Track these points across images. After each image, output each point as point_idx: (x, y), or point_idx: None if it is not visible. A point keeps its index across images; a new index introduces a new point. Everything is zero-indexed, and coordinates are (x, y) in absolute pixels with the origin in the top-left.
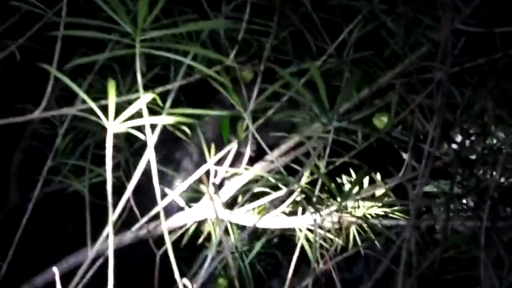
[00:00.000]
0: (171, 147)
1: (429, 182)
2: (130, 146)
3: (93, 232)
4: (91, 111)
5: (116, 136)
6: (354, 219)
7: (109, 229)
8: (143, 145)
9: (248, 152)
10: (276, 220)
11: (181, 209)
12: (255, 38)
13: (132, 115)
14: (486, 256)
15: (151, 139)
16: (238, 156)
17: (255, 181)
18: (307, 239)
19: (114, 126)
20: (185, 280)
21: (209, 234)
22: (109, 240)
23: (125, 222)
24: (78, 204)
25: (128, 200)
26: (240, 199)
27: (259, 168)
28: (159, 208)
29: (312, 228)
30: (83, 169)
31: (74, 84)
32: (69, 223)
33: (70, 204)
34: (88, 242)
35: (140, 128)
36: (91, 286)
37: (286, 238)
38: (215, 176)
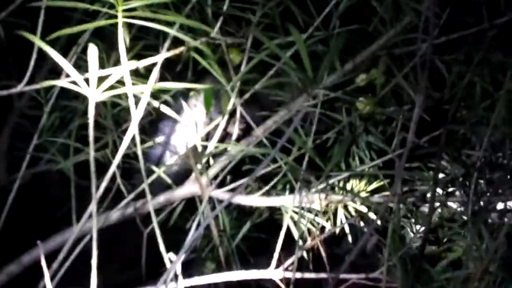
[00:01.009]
0: (159, 126)
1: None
2: (117, 127)
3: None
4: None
5: (103, 117)
6: (340, 197)
7: (92, 206)
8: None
9: (236, 129)
10: (263, 199)
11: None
12: (241, 12)
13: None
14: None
15: (135, 110)
16: (226, 137)
17: (242, 160)
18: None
19: (96, 94)
20: (171, 254)
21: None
22: (92, 217)
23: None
24: (67, 185)
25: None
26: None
27: (245, 144)
28: (145, 185)
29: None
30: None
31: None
32: (58, 205)
33: (59, 185)
34: (73, 219)
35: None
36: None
37: (274, 220)
38: (203, 153)
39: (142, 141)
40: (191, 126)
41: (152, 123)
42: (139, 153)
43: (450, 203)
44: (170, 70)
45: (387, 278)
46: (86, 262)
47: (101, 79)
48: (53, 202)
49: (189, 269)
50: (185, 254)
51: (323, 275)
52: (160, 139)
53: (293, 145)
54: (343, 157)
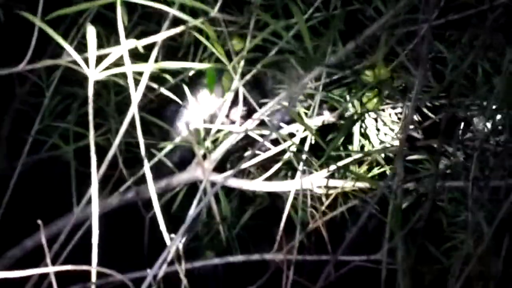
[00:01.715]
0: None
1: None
2: (120, 114)
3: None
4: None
5: (106, 104)
6: (342, 182)
7: (93, 189)
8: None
9: (239, 110)
10: (265, 184)
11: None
12: None
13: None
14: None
15: (135, 89)
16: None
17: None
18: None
19: (95, 73)
20: (173, 236)
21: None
22: (92, 201)
23: None
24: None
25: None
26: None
27: (248, 127)
28: (145, 168)
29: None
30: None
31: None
32: (60, 191)
33: (61, 172)
34: (74, 203)
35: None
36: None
37: (276, 208)
38: (205, 137)
39: (144, 124)
40: (195, 110)
41: (156, 110)
42: (139, 133)
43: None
44: (171, 59)
45: (388, 260)
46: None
47: (101, 61)
48: (56, 189)
49: (189, 259)
50: (185, 240)
51: (323, 257)
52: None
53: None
54: (344, 141)
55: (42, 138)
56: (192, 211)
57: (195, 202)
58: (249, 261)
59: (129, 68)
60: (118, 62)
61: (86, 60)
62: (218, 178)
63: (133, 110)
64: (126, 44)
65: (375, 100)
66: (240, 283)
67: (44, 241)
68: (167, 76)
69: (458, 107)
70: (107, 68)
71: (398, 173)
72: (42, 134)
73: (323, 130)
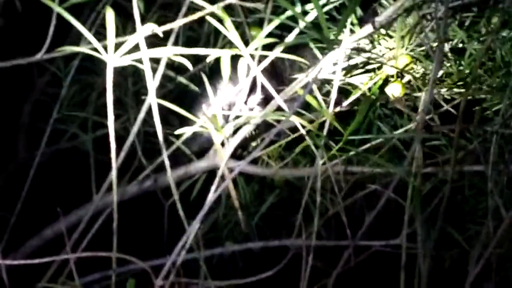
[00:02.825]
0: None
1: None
2: (138, 104)
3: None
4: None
5: (124, 94)
6: (361, 167)
7: (112, 175)
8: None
9: (255, 100)
10: (283, 170)
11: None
12: None
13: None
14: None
15: (151, 74)
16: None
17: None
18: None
19: (114, 59)
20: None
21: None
22: (113, 189)
23: None
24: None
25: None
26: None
27: (266, 113)
28: (164, 157)
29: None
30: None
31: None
32: (80, 181)
33: (81, 159)
34: (93, 192)
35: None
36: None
37: (296, 197)
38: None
39: (162, 114)
40: (213, 98)
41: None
42: (157, 120)
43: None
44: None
45: (408, 244)
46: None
47: (119, 48)
48: (75, 178)
49: (208, 249)
50: (204, 230)
51: (343, 242)
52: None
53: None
54: (363, 126)
55: (61, 128)
56: (210, 197)
57: (213, 188)
58: (268, 248)
59: (146, 53)
60: (137, 50)
61: (104, 48)
62: (236, 164)
63: (151, 97)
64: (143, 30)
65: (397, 87)
66: (259, 271)
67: (64, 229)
68: (186, 64)
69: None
70: (126, 54)
71: (416, 158)
72: (61, 124)
73: (342, 116)
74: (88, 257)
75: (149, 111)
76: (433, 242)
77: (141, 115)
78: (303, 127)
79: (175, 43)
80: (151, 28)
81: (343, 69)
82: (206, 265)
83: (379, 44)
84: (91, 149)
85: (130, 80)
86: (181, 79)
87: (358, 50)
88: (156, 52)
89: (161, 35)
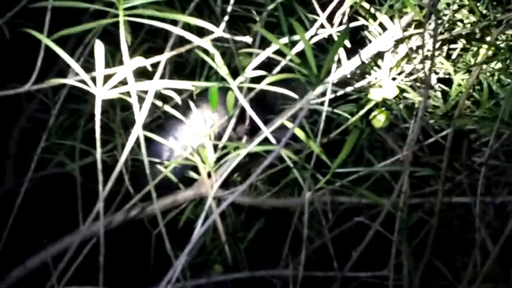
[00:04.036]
0: (166, 127)
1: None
2: (126, 130)
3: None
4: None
5: (112, 120)
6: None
7: (99, 205)
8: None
9: (245, 128)
10: (271, 200)
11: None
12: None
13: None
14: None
15: (138, 107)
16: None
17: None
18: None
19: (103, 92)
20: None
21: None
22: (99, 218)
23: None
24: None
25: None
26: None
27: (253, 144)
28: (150, 186)
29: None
30: (81, 153)
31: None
32: (66, 208)
33: (68, 186)
34: (80, 220)
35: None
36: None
37: (284, 223)
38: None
39: (149, 141)
40: (198, 127)
41: (160, 126)
42: (143, 151)
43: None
44: (178, 75)
45: (395, 276)
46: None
47: (107, 79)
48: (62, 205)
49: (196, 272)
50: (191, 256)
51: (330, 273)
52: (167, 140)
53: (304, 147)
54: (350, 158)
55: (49, 156)
56: (197, 230)
57: (200, 220)
58: (256, 277)
59: (134, 87)
60: (125, 80)
61: (92, 79)
62: (224, 194)
63: (138, 130)
64: (131, 64)
65: (381, 117)
66: None
67: (50, 261)
68: (174, 96)
69: (464, 124)
70: (114, 86)
71: (404, 191)
72: (48, 151)
73: (330, 146)
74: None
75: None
76: (420, 274)
77: (128, 146)
78: (290, 158)
79: (163, 70)
80: (139, 62)
81: (331, 99)
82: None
83: (368, 74)
84: (78, 177)
85: (118, 106)
86: (168, 109)
87: (346, 82)
88: (144, 85)
89: (149, 68)
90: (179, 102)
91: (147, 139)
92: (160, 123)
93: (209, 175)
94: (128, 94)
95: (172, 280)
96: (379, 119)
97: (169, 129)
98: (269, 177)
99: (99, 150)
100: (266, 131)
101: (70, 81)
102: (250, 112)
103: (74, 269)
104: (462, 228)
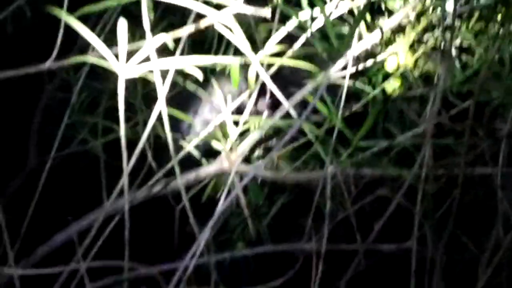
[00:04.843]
0: (187, 102)
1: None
2: (148, 107)
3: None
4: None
5: (133, 97)
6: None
7: (124, 181)
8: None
9: (264, 104)
10: (293, 174)
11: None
12: None
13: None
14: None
15: (161, 84)
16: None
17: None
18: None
19: (126, 69)
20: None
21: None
22: (124, 194)
23: None
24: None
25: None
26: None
27: (275, 119)
28: (174, 161)
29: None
30: (103, 130)
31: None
32: (90, 183)
33: (92, 164)
34: (104, 197)
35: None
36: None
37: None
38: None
39: (170, 118)
40: (219, 102)
41: (181, 102)
42: (166, 127)
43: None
44: (196, 51)
45: (418, 248)
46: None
47: (129, 57)
48: (86, 183)
49: (220, 251)
50: (214, 233)
51: (353, 246)
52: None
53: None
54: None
55: (72, 134)
56: (220, 204)
57: (223, 194)
58: (280, 251)
59: (156, 65)
60: (145, 58)
61: (115, 55)
62: (245, 169)
63: (160, 106)
64: (154, 41)
65: (396, 84)
66: (271, 274)
67: (75, 237)
68: (197, 74)
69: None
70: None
71: (426, 162)
72: (71, 129)
73: (352, 119)
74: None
75: (159, 115)
76: (443, 246)
77: (150, 123)
78: (312, 132)
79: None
80: (162, 38)
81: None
82: (218, 266)
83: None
84: (101, 154)
85: (139, 83)
86: (190, 85)
87: (367, 55)
88: (167, 62)
89: (171, 45)
90: (201, 79)
91: (169, 116)
92: (181, 99)
93: (231, 150)
94: (149, 71)
95: (196, 254)
96: (394, 85)
97: (190, 105)
98: (292, 152)
99: (122, 126)
100: (287, 105)
101: (92, 59)
102: (271, 86)
103: (100, 245)
104: (485, 198)
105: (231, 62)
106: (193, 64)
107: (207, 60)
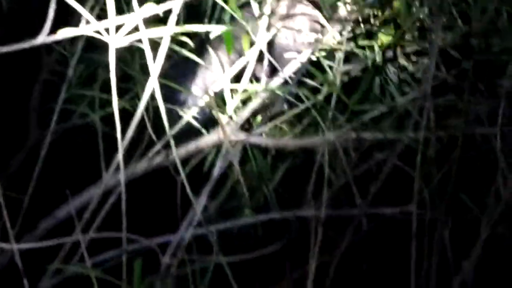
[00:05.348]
0: (182, 71)
1: None
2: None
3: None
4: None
5: (132, 68)
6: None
7: (119, 154)
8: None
9: (263, 71)
10: (293, 141)
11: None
12: None
13: None
14: None
15: (151, 53)
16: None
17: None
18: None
19: (115, 41)
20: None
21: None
22: (120, 166)
23: None
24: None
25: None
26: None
27: (273, 86)
28: (168, 134)
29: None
30: (103, 102)
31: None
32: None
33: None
34: (102, 170)
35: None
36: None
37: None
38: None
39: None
40: (217, 70)
41: (179, 72)
42: (159, 98)
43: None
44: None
45: (419, 211)
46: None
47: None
48: (88, 156)
49: (227, 217)
50: (220, 202)
51: (353, 210)
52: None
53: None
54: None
55: (70, 107)
56: (216, 171)
57: (218, 163)
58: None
59: (145, 34)
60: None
61: (105, 29)
62: (244, 137)
63: (153, 77)
64: (142, 11)
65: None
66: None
67: (73, 211)
68: (187, 41)
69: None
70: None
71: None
72: (71, 103)
73: (350, 84)
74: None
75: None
76: (444, 208)
77: (146, 94)
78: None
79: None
80: (150, 8)
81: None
82: (227, 233)
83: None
84: (99, 128)
85: (137, 54)
86: (186, 53)
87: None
88: (156, 31)
89: (161, 14)
90: (192, 45)
91: (167, 85)
92: (178, 69)
93: (230, 118)
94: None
95: (193, 223)
96: (387, 36)
97: (188, 74)
98: (292, 119)
99: (115, 98)
100: (282, 72)
101: (82, 31)
102: (265, 53)
103: (101, 218)
104: (486, 156)
105: (224, 29)
106: (182, 32)
107: (197, 28)
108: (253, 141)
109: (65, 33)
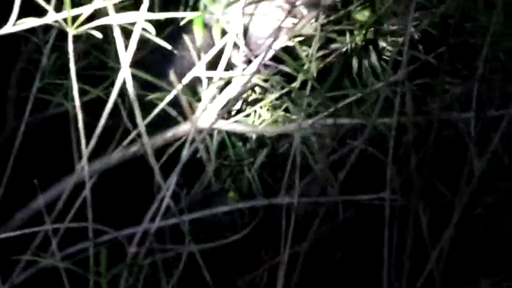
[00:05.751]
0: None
1: None
2: None
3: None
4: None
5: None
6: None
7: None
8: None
9: (239, 59)
10: (269, 128)
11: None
12: None
13: None
14: None
15: (122, 42)
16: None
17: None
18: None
19: (73, 29)
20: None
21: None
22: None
23: None
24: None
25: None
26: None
27: (251, 73)
28: (140, 124)
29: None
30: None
31: None
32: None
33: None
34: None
35: None
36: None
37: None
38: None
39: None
40: (192, 58)
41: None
42: (129, 84)
43: None
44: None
45: (393, 197)
46: None
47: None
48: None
49: (212, 202)
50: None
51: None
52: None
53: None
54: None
55: (46, 97)
56: (183, 157)
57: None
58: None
59: (112, 19)
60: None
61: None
62: (222, 124)
63: (125, 65)
64: None
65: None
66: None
67: (42, 203)
68: (151, 30)
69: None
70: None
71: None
72: (46, 93)
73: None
74: (75, 228)
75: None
76: (419, 194)
77: (118, 82)
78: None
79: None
80: None
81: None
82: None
83: None
84: (71, 117)
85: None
86: (160, 41)
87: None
88: (127, 17)
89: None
90: (153, 33)
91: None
92: (153, 57)
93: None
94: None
95: (161, 209)
96: (363, 14)
97: (163, 62)
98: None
99: (75, 86)
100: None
101: (44, 20)
102: (240, 40)
103: (76, 210)
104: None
105: (195, 16)
106: (147, 18)
107: (167, 15)
108: (228, 128)
109: (27, 23)
